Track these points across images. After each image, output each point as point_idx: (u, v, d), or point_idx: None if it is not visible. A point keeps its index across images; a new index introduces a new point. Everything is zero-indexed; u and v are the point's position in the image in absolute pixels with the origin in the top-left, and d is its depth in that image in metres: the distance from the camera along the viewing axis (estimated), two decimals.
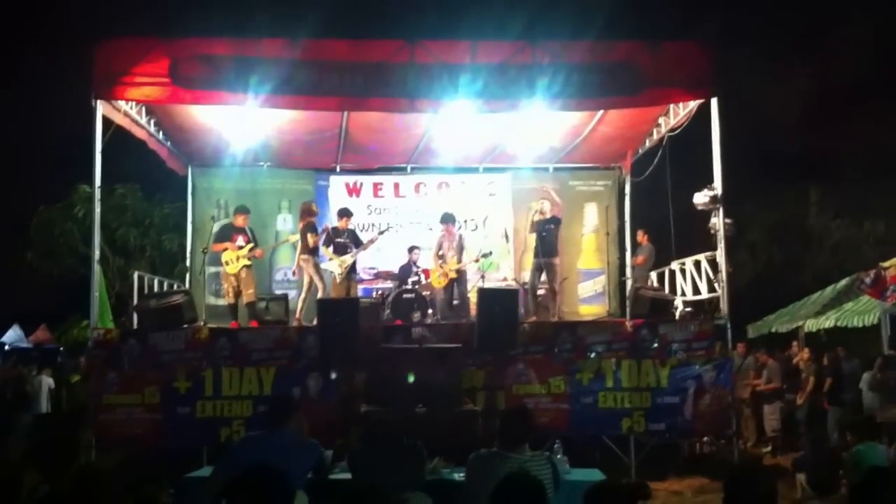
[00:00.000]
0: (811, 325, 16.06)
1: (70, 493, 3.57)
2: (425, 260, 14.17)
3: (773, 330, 17.56)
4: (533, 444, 5.54)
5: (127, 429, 10.87)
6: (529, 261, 14.26)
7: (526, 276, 14.69)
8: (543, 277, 13.84)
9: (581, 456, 8.22)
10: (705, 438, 12.48)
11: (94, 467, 4.41)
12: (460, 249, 13.82)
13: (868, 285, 13.26)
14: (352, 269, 13.32)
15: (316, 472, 5.67)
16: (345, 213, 13.68)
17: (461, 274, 13.72)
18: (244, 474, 3.27)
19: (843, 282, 15.69)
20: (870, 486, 3.31)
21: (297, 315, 13.12)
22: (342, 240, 13.35)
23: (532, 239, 14.00)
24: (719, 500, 3.78)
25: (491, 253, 14.22)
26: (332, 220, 13.94)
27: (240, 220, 13.11)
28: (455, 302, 13.65)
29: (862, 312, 14.41)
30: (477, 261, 13.85)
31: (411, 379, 9.96)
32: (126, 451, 10.71)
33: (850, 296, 15.29)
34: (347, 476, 6.45)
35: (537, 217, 13.69)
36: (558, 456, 7.16)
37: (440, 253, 13.83)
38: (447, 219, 14.05)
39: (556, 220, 13.72)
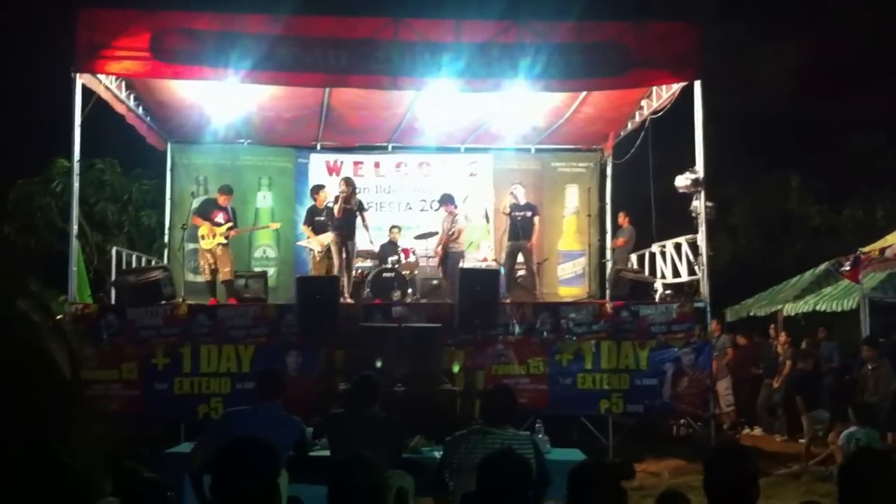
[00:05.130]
0: (790, 309, 16.13)
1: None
2: (406, 239, 14.14)
3: (752, 313, 17.64)
4: (514, 424, 5.55)
5: (104, 404, 10.81)
6: (506, 242, 14.26)
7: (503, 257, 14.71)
8: (521, 259, 13.90)
9: (559, 436, 8.24)
10: (682, 420, 12.54)
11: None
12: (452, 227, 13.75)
13: (847, 269, 13.34)
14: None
15: (297, 449, 5.66)
16: (319, 190, 13.61)
17: (448, 252, 13.64)
18: (230, 446, 3.24)
19: (822, 266, 15.71)
20: (858, 464, 3.32)
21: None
22: (321, 218, 13.28)
23: (507, 221, 14.06)
24: (697, 482, 3.78)
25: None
26: (310, 199, 13.92)
27: (222, 199, 13.03)
28: (434, 282, 13.64)
29: (841, 297, 14.49)
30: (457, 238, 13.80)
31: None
32: (104, 425, 10.62)
33: (829, 280, 15.36)
34: (327, 453, 6.44)
35: (511, 200, 13.79)
36: (539, 436, 7.16)
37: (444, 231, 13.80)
38: (445, 199, 14.00)
39: (530, 207, 13.79)
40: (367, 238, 13.56)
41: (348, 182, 13.14)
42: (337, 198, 12.88)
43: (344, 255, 12.73)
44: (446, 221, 13.83)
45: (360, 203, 13.29)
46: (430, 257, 14.55)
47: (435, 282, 13.65)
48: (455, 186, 15.50)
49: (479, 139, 15.71)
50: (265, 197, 15.89)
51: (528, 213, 13.76)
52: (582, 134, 15.54)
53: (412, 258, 13.82)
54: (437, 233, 14.03)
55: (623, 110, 14.33)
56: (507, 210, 13.86)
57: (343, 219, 12.85)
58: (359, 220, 13.17)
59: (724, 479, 3.47)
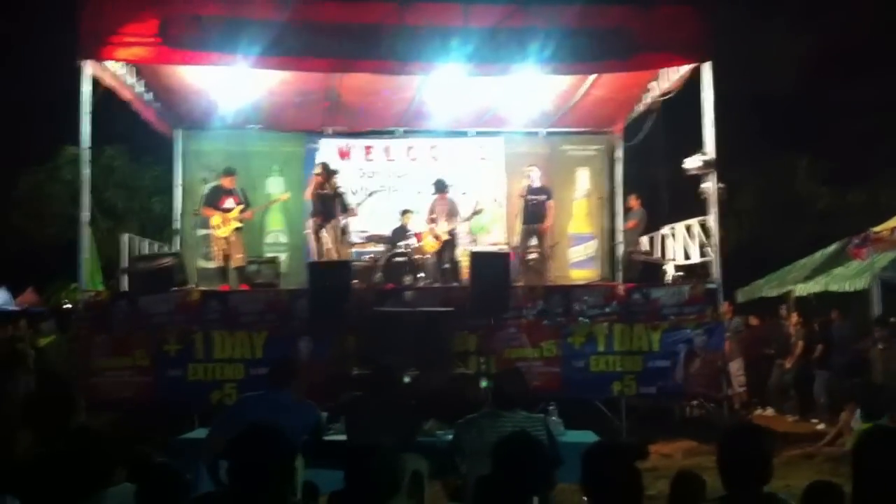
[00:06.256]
0: (801, 289, 16.06)
1: (65, 453, 3.53)
2: (417, 223, 14.12)
3: (763, 295, 17.57)
4: (526, 407, 5.55)
5: (116, 391, 10.86)
6: (520, 226, 14.26)
7: (517, 240, 14.70)
8: (534, 241, 13.90)
9: (572, 418, 8.24)
10: (695, 402, 12.54)
11: (90, 427, 4.38)
12: (452, 215, 13.72)
13: (855, 245, 13.37)
14: (342, 231, 13.24)
15: (311, 434, 5.67)
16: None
17: (453, 237, 13.65)
18: (245, 433, 3.25)
19: (833, 246, 15.65)
20: (872, 443, 3.32)
21: None
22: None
23: (521, 204, 14.06)
24: (710, 463, 3.78)
25: (482, 210, 14.19)
26: None
27: (227, 182, 13.02)
28: (445, 266, 13.63)
29: (852, 277, 14.42)
30: (469, 219, 13.78)
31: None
32: (117, 413, 10.69)
33: (840, 260, 15.28)
34: (342, 438, 6.46)
35: (526, 183, 13.82)
36: (553, 418, 7.16)
37: (432, 217, 13.77)
38: (440, 187, 13.96)
39: (545, 191, 13.81)
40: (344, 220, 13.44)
41: (324, 167, 13.10)
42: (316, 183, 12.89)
43: (340, 238, 12.73)
44: (439, 205, 13.79)
45: (338, 190, 13.22)
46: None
47: (446, 266, 13.61)
48: (465, 170, 15.51)
49: (489, 123, 15.65)
50: (276, 182, 15.86)
51: (543, 197, 13.81)
52: (592, 117, 15.49)
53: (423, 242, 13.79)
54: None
55: (632, 93, 14.27)
56: (524, 192, 13.89)
57: (318, 205, 12.85)
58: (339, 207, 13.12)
59: (738, 458, 3.47)
